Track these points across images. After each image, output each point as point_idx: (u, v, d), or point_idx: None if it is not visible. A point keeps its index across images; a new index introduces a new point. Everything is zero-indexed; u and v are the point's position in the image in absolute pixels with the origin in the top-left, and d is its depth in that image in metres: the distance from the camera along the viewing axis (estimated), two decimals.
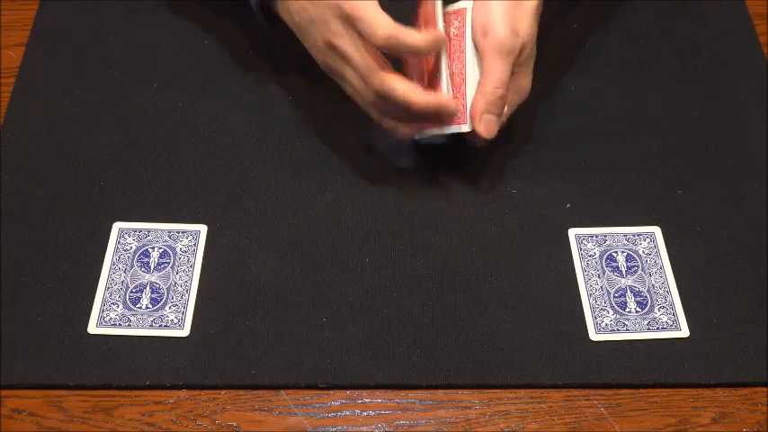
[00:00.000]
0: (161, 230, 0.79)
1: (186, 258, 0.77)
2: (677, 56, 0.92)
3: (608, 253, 0.78)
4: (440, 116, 0.77)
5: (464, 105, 0.77)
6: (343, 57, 0.76)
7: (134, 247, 0.77)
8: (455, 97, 0.77)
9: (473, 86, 0.77)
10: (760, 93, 0.89)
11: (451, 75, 0.76)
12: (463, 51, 0.77)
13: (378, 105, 0.78)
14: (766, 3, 0.96)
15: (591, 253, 0.78)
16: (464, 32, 0.76)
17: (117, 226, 0.79)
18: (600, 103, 0.88)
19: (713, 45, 0.93)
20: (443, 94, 0.76)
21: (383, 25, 0.73)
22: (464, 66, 0.77)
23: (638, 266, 0.77)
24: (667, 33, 0.94)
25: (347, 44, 0.75)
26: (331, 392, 0.71)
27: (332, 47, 0.77)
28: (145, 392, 0.71)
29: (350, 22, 0.74)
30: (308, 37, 0.79)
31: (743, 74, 0.90)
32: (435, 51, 0.76)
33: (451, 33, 0.78)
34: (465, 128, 0.77)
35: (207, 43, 0.91)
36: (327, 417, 0.70)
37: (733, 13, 0.95)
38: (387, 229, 0.79)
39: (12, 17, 0.94)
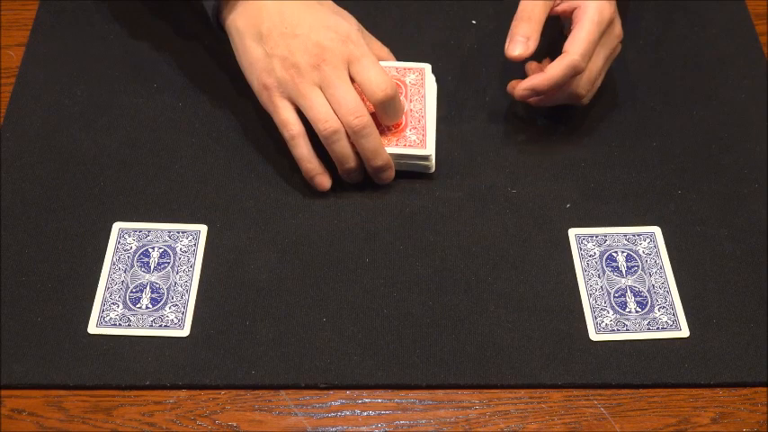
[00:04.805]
0: (161, 230, 0.79)
1: (186, 258, 0.77)
2: (677, 56, 0.92)
3: (608, 253, 0.78)
4: (381, 174, 0.80)
5: (424, 136, 0.81)
6: (329, 82, 0.77)
7: (134, 247, 0.77)
8: (413, 127, 0.81)
9: (432, 120, 0.83)
10: (760, 93, 0.89)
11: (409, 111, 0.82)
12: (423, 96, 0.83)
13: (337, 144, 0.78)
14: (766, 3, 0.96)
15: (591, 253, 0.78)
16: (423, 83, 0.84)
17: (117, 226, 0.79)
18: (600, 104, 0.88)
19: (713, 45, 0.93)
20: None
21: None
22: (423, 105, 0.82)
23: (638, 266, 0.77)
24: (667, 33, 0.94)
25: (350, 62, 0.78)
26: (331, 392, 0.71)
27: (320, 65, 0.77)
28: (145, 392, 0.71)
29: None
30: (278, 46, 0.78)
31: (743, 74, 0.90)
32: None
33: (408, 82, 0.84)
34: (424, 152, 0.81)
35: (207, 44, 0.91)
36: (327, 417, 0.70)
37: (733, 13, 0.95)
38: (387, 229, 0.79)
39: (12, 17, 0.94)
